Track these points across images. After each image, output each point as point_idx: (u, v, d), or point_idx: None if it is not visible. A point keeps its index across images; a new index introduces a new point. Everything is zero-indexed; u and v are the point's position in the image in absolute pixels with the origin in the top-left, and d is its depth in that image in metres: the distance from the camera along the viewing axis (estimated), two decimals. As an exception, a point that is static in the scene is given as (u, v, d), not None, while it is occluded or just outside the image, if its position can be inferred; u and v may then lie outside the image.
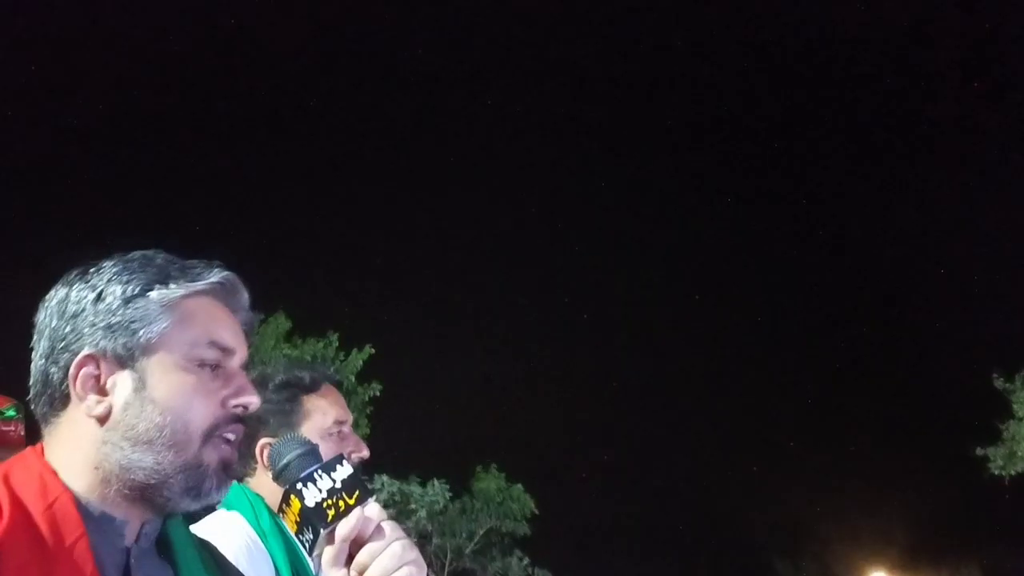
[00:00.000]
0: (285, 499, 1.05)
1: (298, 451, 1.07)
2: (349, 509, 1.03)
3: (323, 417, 1.80)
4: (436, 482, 18.82)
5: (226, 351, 0.96)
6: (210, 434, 0.93)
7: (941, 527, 27.37)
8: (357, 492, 1.04)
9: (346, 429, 1.83)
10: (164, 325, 0.93)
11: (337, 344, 18.83)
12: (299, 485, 1.03)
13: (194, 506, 0.94)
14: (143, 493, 0.91)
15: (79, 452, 0.91)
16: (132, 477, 0.90)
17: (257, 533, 1.62)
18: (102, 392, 0.91)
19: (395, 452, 19.60)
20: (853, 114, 35.56)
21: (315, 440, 1.81)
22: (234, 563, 1.15)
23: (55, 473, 0.90)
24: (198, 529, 1.71)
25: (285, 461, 1.07)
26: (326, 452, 1.86)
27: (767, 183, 35.38)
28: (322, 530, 1.02)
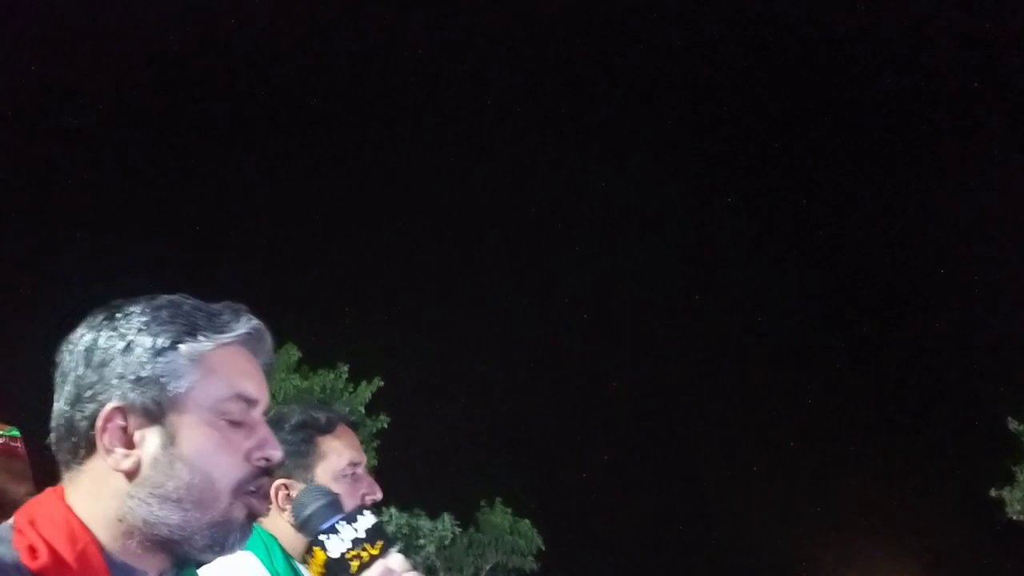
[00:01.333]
0: (308, 550, 1.08)
1: (321, 502, 1.09)
2: (373, 559, 1.03)
3: (338, 459, 1.81)
4: (446, 516, 18.76)
5: (251, 402, 0.96)
6: (237, 490, 0.92)
7: (956, 568, 26.98)
8: (380, 542, 1.05)
9: (360, 471, 1.85)
10: (193, 379, 0.92)
11: (347, 376, 18.86)
12: (322, 536, 1.04)
13: (215, 559, 0.94)
14: (165, 546, 0.91)
15: (102, 503, 0.90)
16: (156, 532, 0.90)
17: (271, 574, 1.62)
18: (129, 446, 0.91)
19: (401, 485, 19.54)
20: (853, 114, 35.45)
21: (329, 482, 1.85)
22: None
23: (80, 520, 0.89)
24: (210, 571, 1.72)
25: (308, 512, 1.08)
26: (340, 493, 1.89)
27: (767, 183, 35.31)
28: None
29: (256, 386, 0.97)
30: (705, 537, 30.68)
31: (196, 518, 0.90)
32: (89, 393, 0.91)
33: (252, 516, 0.94)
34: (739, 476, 31.93)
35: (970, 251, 32.15)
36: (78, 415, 0.92)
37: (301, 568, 1.64)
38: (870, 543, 28.30)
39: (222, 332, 0.95)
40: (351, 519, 1.05)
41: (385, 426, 18.85)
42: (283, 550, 1.65)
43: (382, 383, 18.78)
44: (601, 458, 32.51)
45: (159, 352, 0.92)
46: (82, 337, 0.95)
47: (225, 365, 0.95)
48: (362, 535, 1.04)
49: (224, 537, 0.91)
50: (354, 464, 1.82)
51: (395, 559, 1.04)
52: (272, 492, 1.80)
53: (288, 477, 1.80)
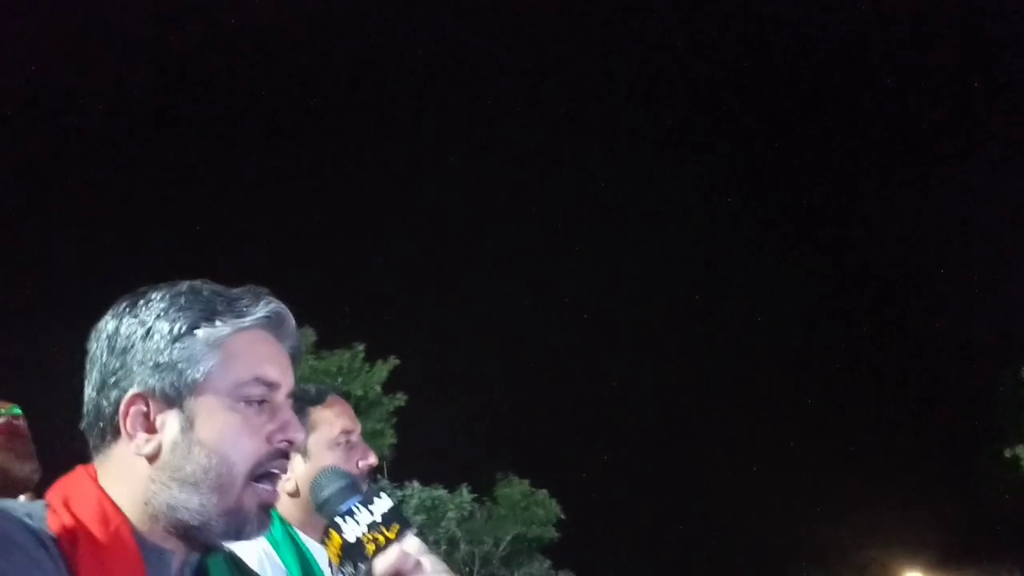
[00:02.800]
0: (326, 532, 1.07)
1: (338, 484, 1.09)
2: (389, 543, 1.03)
3: (329, 428, 1.83)
4: (463, 489, 18.89)
5: (272, 386, 0.96)
6: (254, 472, 0.93)
7: (976, 527, 27.04)
8: (396, 526, 1.05)
9: (354, 438, 1.87)
10: (211, 364, 0.93)
11: (363, 355, 19.07)
12: (338, 519, 1.04)
13: (234, 542, 0.95)
14: (187, 531, 0.92)
15: (129, 486, 0.92)
16: (178, 516, 0.91)
17: (270, 543, 1.65)
18: (151, 431, 0.92)
19: (421, 460, 19.81)
20: (853, 115, 35.23)
21: (323, 451, 1.83)
22: None
23: (113, 502, 0.91)
24: None
25: (325, 495, 1.09)
26: (335, 461, 1.80)
27: (767, 183, 35.13)
28: (362, 565, 1.03)
29: (278, 369, 0.97)
30: (725, 505, 30.81)
31: (213, 503, 0.91)
32: (113, 379, 0.93)
33: (265, 506, 0.95)
34: (764, 450, 31.95)
35: (970, 251, 31.98)
36: (103, 401, 0.93)
37: (300, 535, 1.68)
38: (889, 509, 28.43)
39: (241, 316, 0.96)
40: (367, 502, 1.05)
41: (403, 404, 19.06)
42: (281, 518, 1.70)
43: (398, 362, 18.96)
44: (616, 430, 32.68)
45: (177, 338, 0.93)
46: (107, 325, 0.96)
47: (245, 349, 0.95)
48: (378, 519, 1.04)
49: (241, 525, 0.93)
50: (347, 432, 1.85)
51: (411, 542, 1.04)
52: None
53: None
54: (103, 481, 0.92)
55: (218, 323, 0.94)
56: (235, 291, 0.99)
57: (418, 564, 1.03)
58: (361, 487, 1.11)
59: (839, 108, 34.50)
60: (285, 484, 1.78)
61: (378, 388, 18.88)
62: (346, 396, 2.11)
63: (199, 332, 0.93)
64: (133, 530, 0.89)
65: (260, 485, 0.93)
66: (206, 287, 0.98)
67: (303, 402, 1.80)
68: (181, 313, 0.94)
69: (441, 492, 18.47)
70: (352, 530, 1.04)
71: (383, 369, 18.94)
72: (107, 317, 0.97)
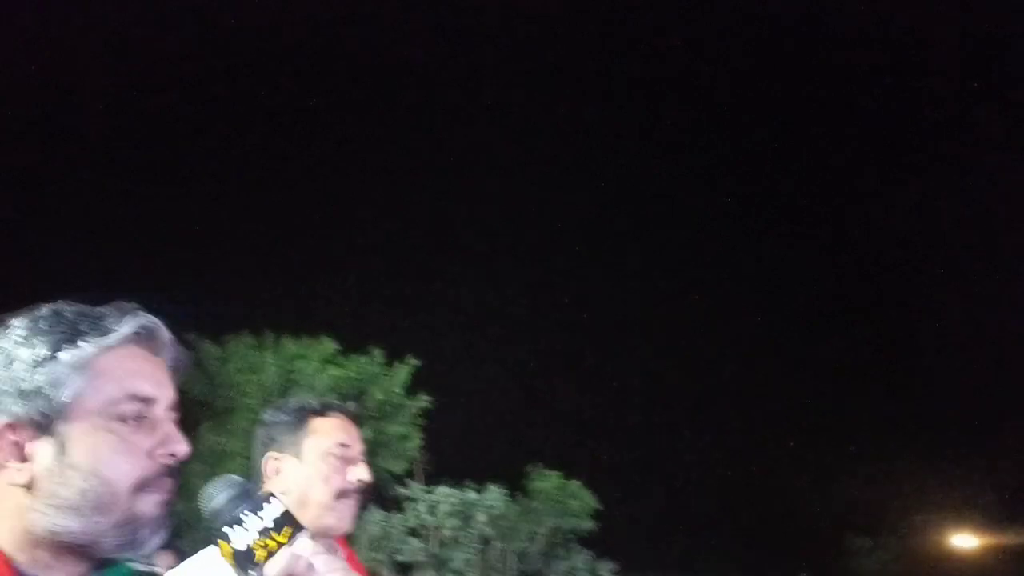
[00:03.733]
0: (215, 543, 1.02)
1: (227, 493, 1.05)
2: (280, 547, 1.01)
3: (326, 438, 1.90)
4: (492, 487, 18.88)
5: (147, 401, 0.94)
6: (139, 489, 0.91)
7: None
8: (288, 529, 1.03)
9: (351, 452, 1.93)
10: (78, 386, 0.90)
11: (382, 360, 18.98)
12: (226, 528, 1.01)
13: (130, 556, 0.93)
14: (76, 551, 0.90)
15: (8, 517, 0.90)
16: (63, 540, 0.89)
17: None
18: (23, 459, 0.90)
19: (448, 461, 19.72)
20: (852, 114, 34.99)
21: (316, 459, 1.96)
22: None
23: None
24: (179, 571, 1.76)
25: (215, 504, 1.04)
26: (327, 470, 1.96)
27: (767, 182, 35.14)
28: (253, 572, 1.00)
29: (151, 383, 0.94)
30: (764, 479, 30.62)
31: (97, 523, 0.89)
32: None
33: (160, 515, 0.93)
34: (801, 420, 31.79)
35: (970, 251, 31.74)
36: None
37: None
38: (935, 472, 28.08)
39: (105, 334, 0.93)
40: (257, 507, 1.02)
41: (427, 405, 18.98)
42: None
43: (418, 365, 18.88)
44: (647, 415, 32.53)
45: (39, 362, 0.90)
46: None
47: (114, 367, 0.93)
48: (269, 524, 1.01)
49: (132, 538, 0.91)
50: (343, 445, 1.91)
51: (302, 545, 1.03)
52: (263, 465, 1.94)
53: (280, 451, 1.93)
54: None
55: (81, 343, 0.91)
56: (100, 309, 0.96)
57: (310, 566, 1.01)
58: (253, 494, 1.06)
59: (838, 107, 34.31)
60: (276, 484, 1.88)
61: (399, 391, 18.83)
62: (355, 419, 2.08)
63: (62, 355, 0.90)
64: (11, 563, 0.87)
65: (151, 495, 0.92)
66: (68, 308, 0.95)
67: (307, 412, 1.93)
68: (41, 337, 0.91)
69: (471, 494, 18.51)
70: (241, 538, 1.01)
71: (403, 371, 18.90)
72: None
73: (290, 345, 18.83)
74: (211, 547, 1.68)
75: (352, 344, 19.11)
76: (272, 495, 1.07)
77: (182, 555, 1.88)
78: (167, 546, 0.97)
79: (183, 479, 1.00)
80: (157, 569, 1.07)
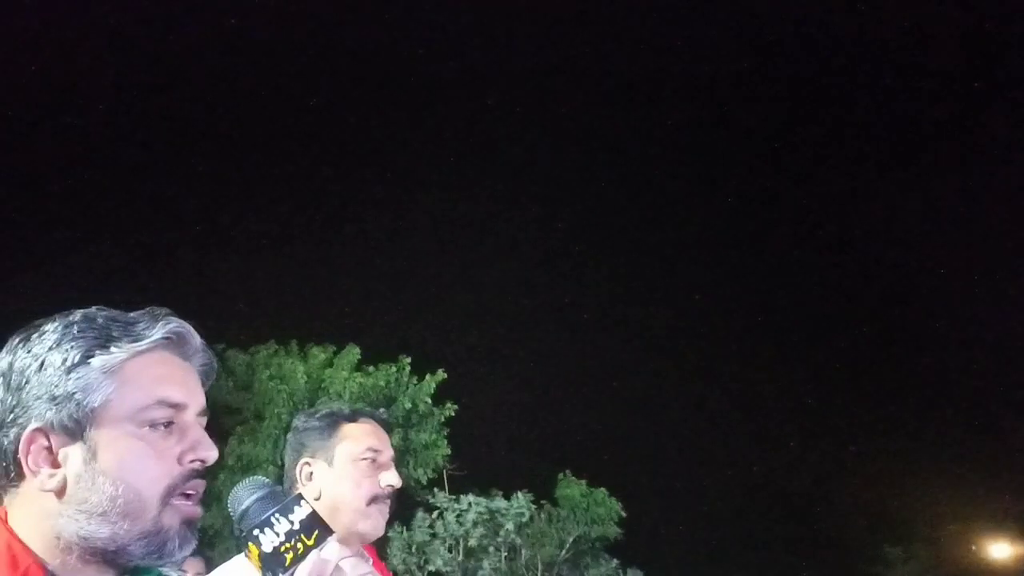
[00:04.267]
0: (245, 547, 1.03)
1: (255, 495, 1.06)
2: (308, 551, 1.02)
3: (356, 444, 1.92)
4: (520, 495, 18.85)
5: (177, 407, 0.94)
6: (168, 495, 0.92)
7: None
8: (316, 532, 1.03)
9: (381, 458, 1.95)
10: (109, 391, 0.91)
11: (409, 369, 19.04)
12: (256, 531, 1.02)
13: (159, 564, 0.94)
14: (104, 557, 0.91)
15: (39, 522, 0.91)
16: (92, 546, 0.90)
17: None
18: (55, 465, 0.91)
19: (478, 468, 19.71)
20: (853, 113, 34.68)
21: (347, 463, 1.98)
22: None
23: (22, 542, 0.90)
24: (219, 573, 1.78)
25: (244, 507, 1.05)
26: (357, 475, 1.98)
27: (767, 183, 34.86)
28: (282, 575, 1.00)
29: (182, 389, 0.95)
30: (794, 489, 30.28)
31: (125, 530, 0.89)
32: (11, 417, 0.92)
33: (188, 522, 0.93)
34: (831, 430, 31.44)
35: (970, 251, 31.35)
36: (4, 440, 0.92)
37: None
38: (968, 481, 27.62)
39: (138, 340, 0.94)
40: (286, 511, 1.03)
41: (453, 414, 19.00)
42: None
43: (445, 375, 18.92)
44: (672, 422, 32.31)
45: (71, 368, 0.91)
46: (0, 362, 0.95)
47: (143, 373, 0.93)
48: (296, 527, 1.02)
49: (160, 545, 0.91)
50: (373, 450, 1.94)
51: (330, 548, 1.03)
52: (296, 470, 1.97)
53: (312, 457, 1.96)
54: (13, 521, 0.91)
55: (113, 349, 0.92)
56: (132, 315, 0.97)
57: (338, 569, 1.02)
58: (280, 497, 1.08)
59: (839, 107, 34.03)
60: (309, 490, 1.90)
61: (427, 399, 18.90)
62: (385, 425, 2.12)
63: (94, 360, 0.91)
64: (44, 567, 0.89)
65: (179, 502, 0.92)
66: (101, 314, 0.95)
67: (338, 418, 1.95)
68: (74, 343, 0.92)
69: (498, 502, 18.49)
70: (270, 540, 1.02)
71: (431, 382, 18.96)
72: (1, 353, 0.96)
73: (318, 353, 18.99)
74: (240, 556, 1.71)
75: (379, 352, 19.23)
76: (301, 498, 1.07)
77: (211, 564, 1.90)
78: (196, 554, 0.97)
79: (213, 488, 0.99)
80: None
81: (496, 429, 24.94)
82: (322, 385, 18.59)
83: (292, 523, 1.02)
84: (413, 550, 17.97)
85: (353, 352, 19.13)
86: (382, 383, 18.81)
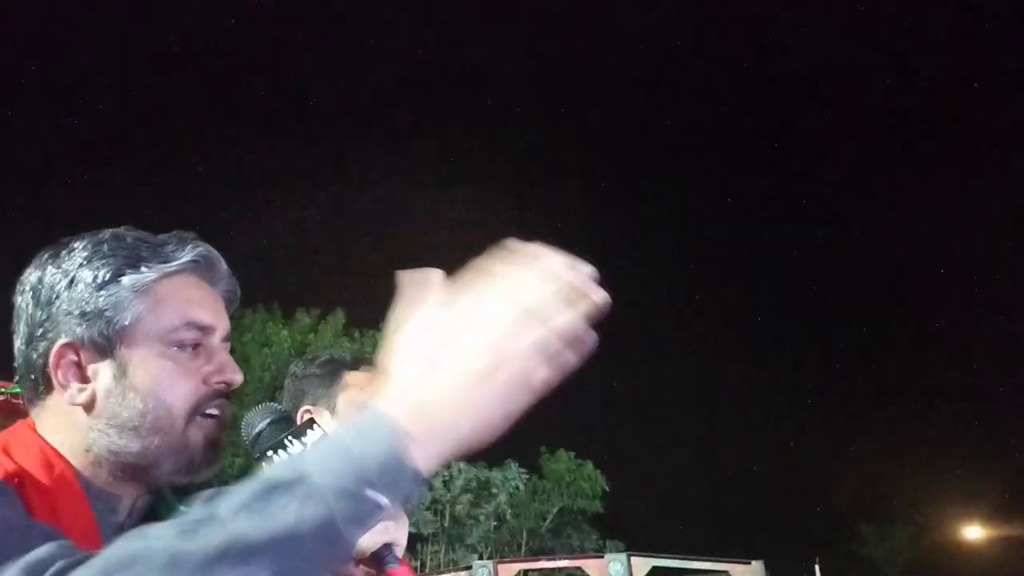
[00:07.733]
0: (259, 468, 0.98)
1: (269, 419, 1.04)
2: None
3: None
4: (512, 465, 19.01)
5: (205, 329, 0.96)
6: (194, 413, 0.94)
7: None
8: None
9: None
10: (139, 311, 0.93)
11: (396, 335, 19.05)
12: (270, 452, 1.01)
13: (185, 481, 0.96)
14: (134, 474, 0.93)
15: (68, 435, 0.93)
16: (122, 460, 0.92)
17: None
18: (84, 380, 0.92)
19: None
20: (853, 115, 34.88)
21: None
22: None
23: (54, 448, 0.92)
24: None
25: (257, 430, 1.04)
26: None
27: (768, 183, 35.07)
28: None
29: (210, 312, 0.97)
30: (775, 469, 30.65)
31: (156, 445, 0.92)
32: (40, 331, 0.94)
33: (211, 440, 0.95)
34: (812, 410, 31.75)
35: (970, 251, 31.71)
36: (33, 354, 0.94)
37: None
38: (943, 465, 28.03)
39: (167, 261, 0.95)
40: (300, 434, 1.01)
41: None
42: None
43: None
44: (661, 399, 32.54)
45: (101, 285, 0.93)
46: (30, 276, 0.96)
47: (174, 294, 0.95)
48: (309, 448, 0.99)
49: (188, 460, 0.94)
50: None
51: None
52: (299, 418, 1.87)
53: (314, 404, 1.91)
54: (42, 432, 0.93)
55: (143, 269, 0.94)
56: (161, 236, 0.99)
57: None
58: (293, 422, 1.07)
59: (839, 109, 34.16)
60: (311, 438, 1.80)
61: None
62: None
63: (124, 279, 0.93)
64: (77, 474, 0.90)
65: (204, 420, 0.94)
66: (130, 234, 0.97)
67: (340, 365, 1.90)
68: (105, 260, 0.94)
69: (491, 472, 18.61)
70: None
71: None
72: (30, 269, 0.97)
73: (303, 317, 18.91)
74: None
75: (365, 319, 19.18)
76: (314, 421, 1.05)
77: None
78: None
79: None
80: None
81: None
82: (307, 350, 18.52)
83: (305, 445, 1.02)
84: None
85: (338, 318, 19.07)
86: (369, 349, 18.77)
